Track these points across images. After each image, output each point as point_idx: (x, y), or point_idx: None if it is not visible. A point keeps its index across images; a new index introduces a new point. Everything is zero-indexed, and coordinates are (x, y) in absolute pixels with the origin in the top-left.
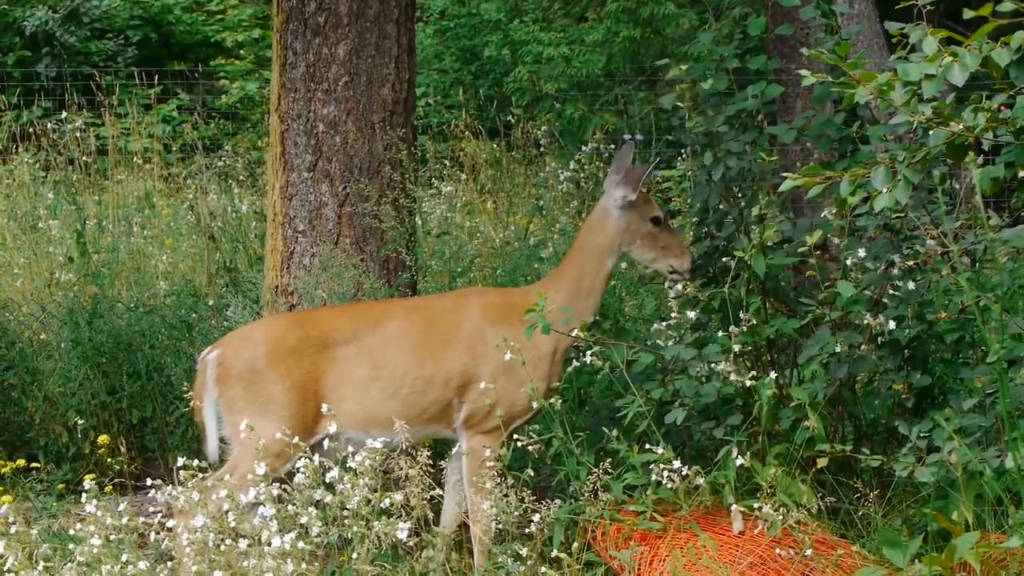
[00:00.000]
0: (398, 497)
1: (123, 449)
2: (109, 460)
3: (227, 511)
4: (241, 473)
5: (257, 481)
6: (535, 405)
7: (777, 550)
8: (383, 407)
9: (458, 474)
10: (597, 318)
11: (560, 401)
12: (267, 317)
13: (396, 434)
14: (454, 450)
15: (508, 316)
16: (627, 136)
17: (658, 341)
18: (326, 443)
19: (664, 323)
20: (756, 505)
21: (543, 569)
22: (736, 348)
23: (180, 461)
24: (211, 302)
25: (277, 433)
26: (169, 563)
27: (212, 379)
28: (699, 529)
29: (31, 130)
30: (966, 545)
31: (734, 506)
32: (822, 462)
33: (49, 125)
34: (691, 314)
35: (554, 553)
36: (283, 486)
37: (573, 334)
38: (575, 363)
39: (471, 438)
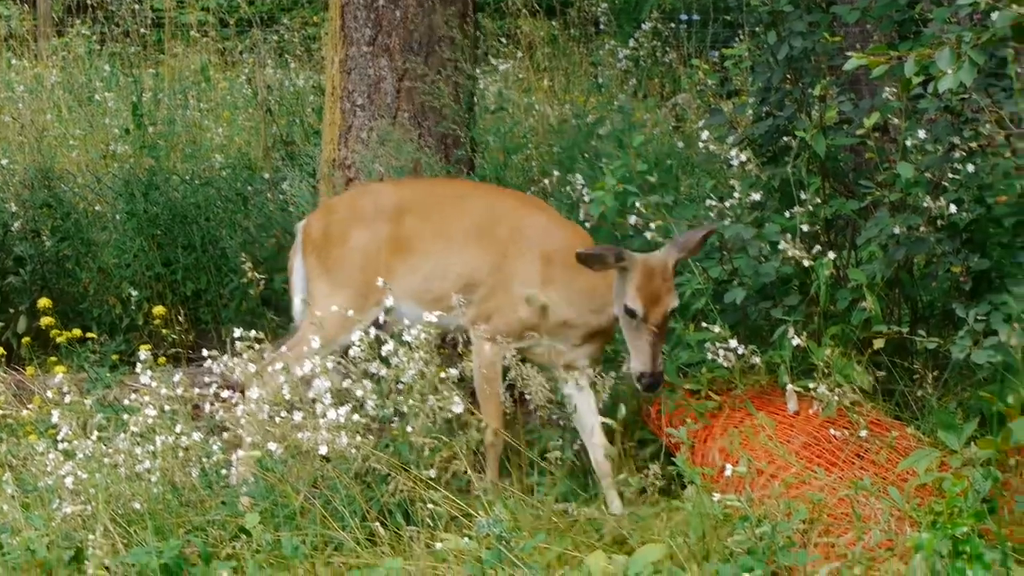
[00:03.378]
0: (453, 372)
1: (179, 320)
2: (164, 331)
3: (283, 383)
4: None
5: (312, 354)
6: (530, 332)
7: (831, 430)
8: (411, 283)
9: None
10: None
11: None
12: (357, 185)
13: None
14: (564, 389)
15: (548, 256)
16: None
17: (711, 215)
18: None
19: (724, 202)
20: (811, 385)
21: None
22: (804, 228)
23: (236, 332)
24: (267, 175)
25: (339, 301)
26: (224, 434)
27: (298, 246)
28: (754, 408)
29: (87, 2)
30: (1022, 428)
31: (789, 386)
32: (878, 343)
33: None
34: (755, 196)
35: (609, 421)
36: (339, 360)
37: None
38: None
39: (476, 337)
